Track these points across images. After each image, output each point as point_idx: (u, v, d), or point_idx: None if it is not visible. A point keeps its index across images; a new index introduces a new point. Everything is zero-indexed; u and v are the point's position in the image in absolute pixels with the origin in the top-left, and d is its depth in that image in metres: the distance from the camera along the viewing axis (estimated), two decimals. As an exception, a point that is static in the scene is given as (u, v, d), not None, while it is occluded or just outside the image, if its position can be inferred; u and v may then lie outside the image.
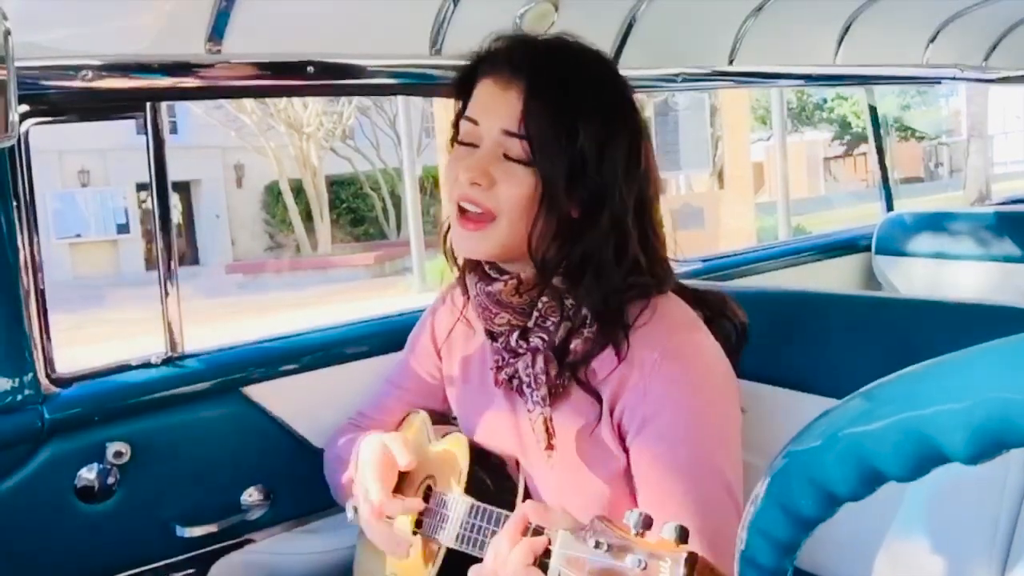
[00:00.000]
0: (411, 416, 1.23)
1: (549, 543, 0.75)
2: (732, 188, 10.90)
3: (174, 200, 1.46)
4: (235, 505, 1.39)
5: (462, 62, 1.04)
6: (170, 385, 1.35)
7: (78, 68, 1.19)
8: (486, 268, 1.04)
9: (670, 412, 0.93)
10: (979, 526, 0.87)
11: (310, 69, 1.40)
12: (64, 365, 1.28)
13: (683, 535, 0.65)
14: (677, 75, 2.00)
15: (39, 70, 1.16)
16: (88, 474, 1.25)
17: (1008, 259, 2.42)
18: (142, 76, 1.26)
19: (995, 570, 0.85)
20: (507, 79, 0.96)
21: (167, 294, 1.37)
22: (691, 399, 0.93)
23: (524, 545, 0.76)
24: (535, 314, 0.99)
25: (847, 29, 2.25)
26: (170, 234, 1.37)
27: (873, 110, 2.91)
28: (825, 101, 22.45)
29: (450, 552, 1.02)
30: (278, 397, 1.41)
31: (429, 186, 14.16)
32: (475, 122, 0.98)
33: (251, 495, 1.40)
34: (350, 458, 1.13)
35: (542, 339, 0.98)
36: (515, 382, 1.01)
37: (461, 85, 1.03)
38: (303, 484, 1.37)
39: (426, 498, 1.07)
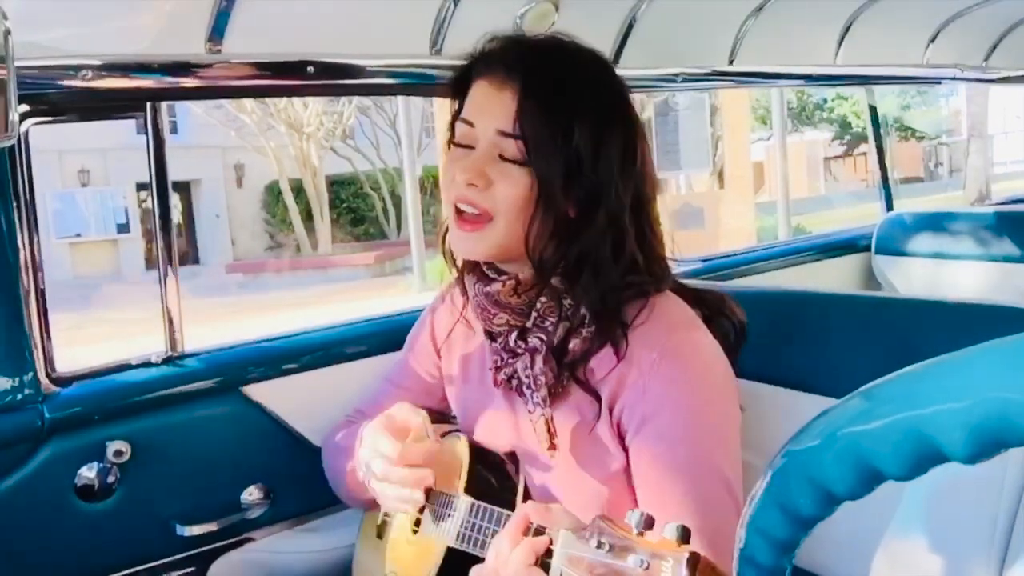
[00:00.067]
0: (411, 415, 1.22)
1: (551, 543, 0.75)
2: (732, 188, 10.90)
3: (174, 200, 1.46)
4: (235, 504, 1.39)
5: (462, 62, 1.04)
6: (170, 384, 1.35)
7: (78, 68, 1.19)
8: (484, 269, 1.04)
9: (669, 411, 0.93)
10: (977, 525, 0.87)
11: (310, 69, 1.40)
12: (64, 364, 1.28)
13: (685, 535, 0.65)
14: (677, 75, 2.00)
15: (39, 70, 1.16)
16: (88, 473, 1.25)
17: (1008, 259, 2.43)
18: (142, 76, 1.26)
19: (993, 568, 0.85)
20: (501, 79, 0.96)
21: (167, 293, 1.37)
22: (690, 398, 0.94)
23: (526, 545, 0.76)
24: (533, 314, 0.99)
25: (847, 29, 2.25)
26: (170, 234, 1.37)
27: (873, 110, 2.91)
28: (825, 101, 22.45)
29: (450, 551, 1.02)
30: (278, 396, 1.41)
31: (429, 186, 14.16)
32: (471, 124, 0.98)
33: (251, 494, 1.40)
34: (353, 446, 1.12)
35: (540, 339, 0.99)
36: (514, 382, 1.01)
37: (457, 86, 1.03)
38: (303, 483, 1.37)
39: (426, 497, 1.07)
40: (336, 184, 17.35)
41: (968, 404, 0.36)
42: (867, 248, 2.67)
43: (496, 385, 1.04)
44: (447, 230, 1.04)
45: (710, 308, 1.03)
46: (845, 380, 0.53)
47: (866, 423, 0.40)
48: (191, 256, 17.15)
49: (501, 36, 1.02)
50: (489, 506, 0.99)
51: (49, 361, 1.26)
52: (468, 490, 1.03)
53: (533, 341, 0.99)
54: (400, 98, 10.58)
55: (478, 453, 1.07)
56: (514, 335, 1.01)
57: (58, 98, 1.22)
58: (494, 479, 1.05)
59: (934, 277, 2.53)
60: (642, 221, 0.99)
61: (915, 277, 2.57)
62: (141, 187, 14.53)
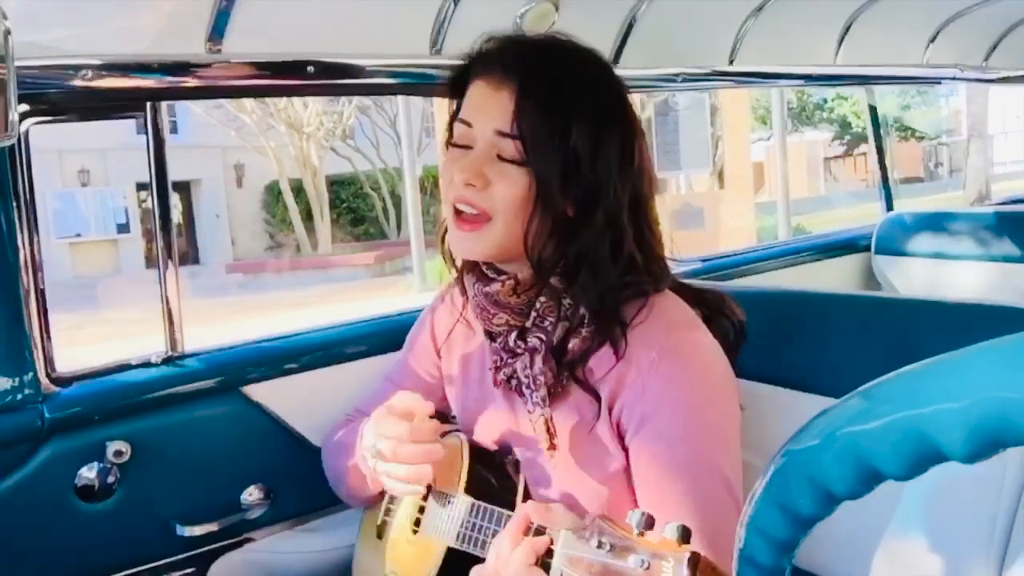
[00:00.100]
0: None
1: (551, 543, 0.75)
2: (732, 188, 10.90)
3: (174, 200, 1.46)
4: (235, 504, 1.39)
5: (462, 62, 1.04)
6: (170, 384, 1.35)
7: (78, 68, 1.19)
8: (484, 269, 1.04)
9: (669, 410, 0.93)
10: (977, 524, 0.87)
11: (310, 69, 1.40)
12: (64, 364, 1.28)
13: (685, 535, 0.65)
14: (677, 75, 2.00)
15: (39, 70, 1.16)
16: (88, 473, 1.25)
17: (1008, 259, 2.43)
18: (142, 76, 1.26)
19: (993, 568, 0.85)
20: (499, 79, 0.96)
21: (167, 293, 1.37)
22: (690, 397, 0.94)
23: (526, 545, 0.77)
24: (533, 314, 0.99)
25: (847, 29, 2.25)
26: (170, 234, 1.37)
27: (873, 110, 2.91)
28: (825, 101, 22.45)
29: (450, 551, 1.02)
30: (278, 396, 1.42)
31: (429, 186, 14.15)
32: (468, 124, 0.98)
33: (251, 494, 1.40)
34: (353, 443, 1.11)
35: (540, 339, 0.99)
36: (514, 382, 1.01)
37: (454, 87, 1.03)
38: (303, 483, 1.37)
39: (426, 497, 1.07)
40: (336, 184, 17.35)
41: (967, 404, 0.36)
42: (867, 248, 2.67)
43: (496, 385, 1.04)
44: (446, 230, 1.04)
45: (710, 308, 1.03)
46: (845, 380, 0.53)
47: (865, 423, 0.40)
48: (191, 256, 17.15)
49: (498, 36, 1.02)
50: (489, 506, 0.99)
51: (49, 361, 1.26)
52: (468, 490, 1.03)
53: (532, 341, 0.99)
54: (400, 98, 10.57)
55: (478, 453, 1.07)
56: (514, 335, 1.01)
57: (58, 98, 1.22)
58: (494, 479, 1.05)
59: (934, 277, 2.53)
60: (640, 220, 0.99)
61: (915, 277, 2.57)
62: (141, 187, 14.53)
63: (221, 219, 18.06)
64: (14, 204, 1.20)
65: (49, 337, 1.26)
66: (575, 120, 0.94)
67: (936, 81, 2.92)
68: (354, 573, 1.25)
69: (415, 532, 1.09)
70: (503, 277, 1.01)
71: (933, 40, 2.55)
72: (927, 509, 0.89)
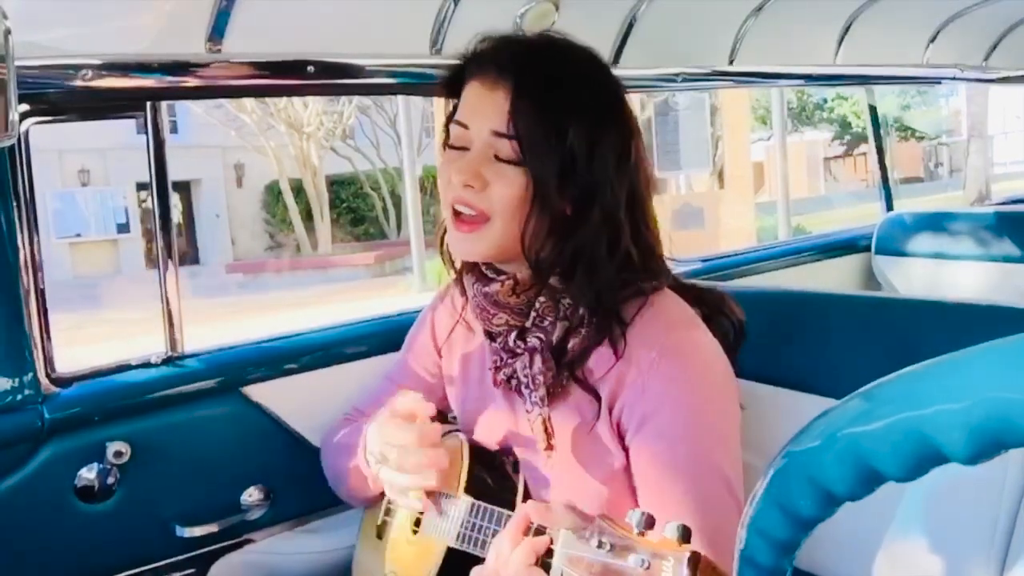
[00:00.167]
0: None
1: (551, 543, 0.75)
2: (732, 188, 10.90)
3: (174, 200, 1.46)
4: (235, 505, 1.39)
5: (458, 63, 1.04)
6: (170, 385, 1.35)
7: (78, 68, 1.18)
8: (483, 269, 1.04)
9: (669, 410, 0.93)
10: (978, 526, 0.87)
11: (310, 69, 1.40)
12: (64, 365, 1.28)
13: (685, 535, 0.65)
14: (677, 75, 2.00)
15: (39, 70, 1.16)
16: (88, 474, 1.25)
17: (1008, 259, 2.43)
18: (142, 76, 1.26)
19: (994, 569, 0.85)
20: (494, 80, 0.96)
21: (167, 293, 1.37)
22: (690, 397, 0.93)
23: (526, 545, 0.76)
24: (532, 314, 0.99)
25: (847, 29, 2.25)
26: (170, 233, 1.37)
27: (873, 110, 2.91)
28: (825, 101, 22.45)
29: (450, 551, 1.02)
30: (278, 397, 1.41)
31: (429, 186, 14.11)
32: (465, 125, 0.98)
33: (251, 495, 1.40)
34: (355, 443, 1.11)
35: (540, 339, 0.99)
36: (513, 382, 1.01)
37: (450, 87, 1.03)
38: (303, 484, 1.37)
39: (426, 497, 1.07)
40: (336, 184, 17.35)
41: (968, 404, 0.36)
42: (867, 248, 2.67)
43: (496, 385, 1.04)
44: (445, 232, 1.04)
45: (710, 307, 1.03)
46: (845, 380, 0.53)
47: (866, 424, 0.40)
48: (191, 256, 17.15)
49: (493, 36, 1.01)
50: (489, 506, 0.99)
51: (49, 361, 1.26)
52: (468, 490, 1.03)
53: (532, 341, 0.99)
54: (400, 98, 10.58)
55: (478, 453, 1.07)
56: (513, 335, 1.01)
57: (58, 98, 1.21)
58: (494, 479, 1.05)
59: (934, 277, 2.53)
60: (638, 218, 0.99)
61: (915, 277, 2.57)
62: (141, 187, 14.53)
63: (221, 219, 18.06)
64: (14, 204, 1.20)
65: (49, 337, 1.26)
66: (571, 119, 0.94)
67: (936, 81, 2.92)
68: (354, 573, 1.25)
69: (415, 532, 1.09)
70: (502, 277, 1.01)
71: (933, 40, 2.55)
72: (928, 510, 0.89)
